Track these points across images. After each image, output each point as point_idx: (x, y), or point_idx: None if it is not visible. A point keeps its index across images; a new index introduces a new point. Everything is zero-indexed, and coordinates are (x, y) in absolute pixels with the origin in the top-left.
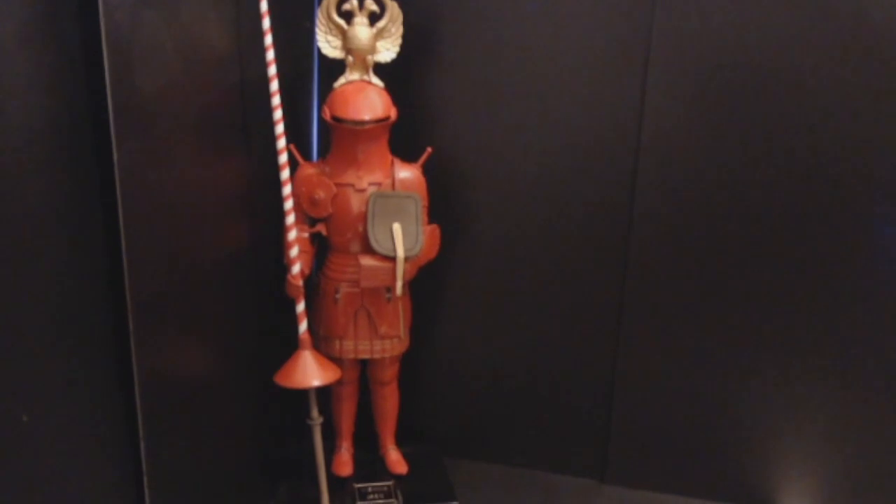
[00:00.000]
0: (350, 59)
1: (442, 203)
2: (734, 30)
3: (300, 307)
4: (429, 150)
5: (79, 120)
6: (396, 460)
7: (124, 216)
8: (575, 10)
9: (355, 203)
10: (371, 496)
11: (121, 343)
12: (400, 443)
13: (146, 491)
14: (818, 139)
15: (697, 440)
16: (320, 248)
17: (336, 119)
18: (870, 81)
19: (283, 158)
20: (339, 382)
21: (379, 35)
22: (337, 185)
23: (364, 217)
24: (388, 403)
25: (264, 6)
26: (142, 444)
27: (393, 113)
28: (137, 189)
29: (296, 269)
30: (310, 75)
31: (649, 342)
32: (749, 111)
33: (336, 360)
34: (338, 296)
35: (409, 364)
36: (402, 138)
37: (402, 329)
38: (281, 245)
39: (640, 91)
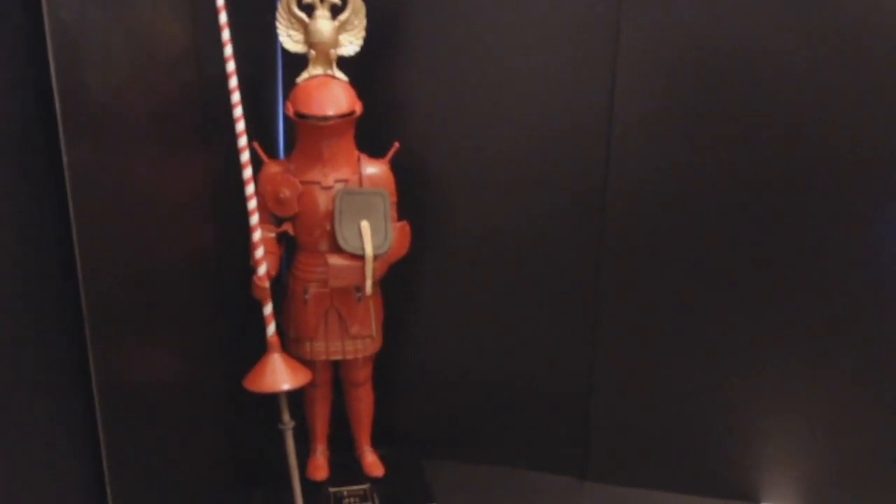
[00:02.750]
0: (312, 53)
1: (411, 199)
2: (706, 17)
3: (268, 309)
4: (396, 144)
5: (26, 123)
6: (372, 462)
7: (76, 219)
8: (543, 1)
9: (322, 201)
10: (347, 500)
11: (78, 349)
12: (376, 444)
13: (109, 502)
14: (796, 124)
15: (679, 434)
16: (288, 247)
17: (300, 115)
18: (848, 66)
19: (246, 157)
20: (311, 385)
21: (341, 28)
22: (303, 182)
23: (331, 215)
24: (363, 405)
25: (221, 0)
26: (104, 454)
27: (358, 107)
28: (90, 192)
29: (262, 270)
30: (273, 70)
31: (627, 336)
32: (724, 95)
33: (307, 362)
34: (307, 296)
35: (383, 364)
36: (369, 133)
37: (374, 328)
38: (247, 246)
39: (610, 79)
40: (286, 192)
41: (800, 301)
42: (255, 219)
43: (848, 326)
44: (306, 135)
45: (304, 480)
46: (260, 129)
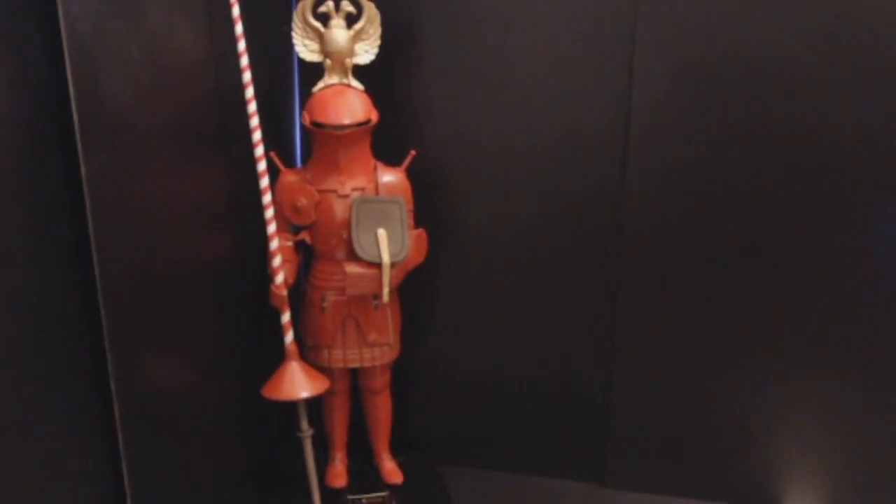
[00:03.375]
0: (328, 62)
1: (428, 206)
2: (721, 19)
3: (286, 317)
4: (412, 152)
5: (45, 134)
6: (391, 470)
7: (95, 229)
8: (557, 5)
9: (339, 209)
10: None
11: (98, 359)
12: (394, 452)
13: None
14: (811, 130)
15: (697, 440)
16: (306, 256)
17: (316, 124)
18: (862, 73)
19: (262, 166)
20: (329, 393)
21: (357, 37)
22: (319, 191)
23: (348, 223)
24: (381, 412)
25: (236, 11)
26: (123, 460)
27: (374, 116)
28: (108, 201)
29: (279, 278)
30: (290, 80)
31: (645, 341)
32: (741, 102)
33: (325, 370)
34: (324, 304)
35: (401, 371)
36: (385, 142)
37: (392, 336)
38: (265, 254)
39: (626, 85)
40: (303, 201)
41: (820, 307)
42: (272, 228)
43: (870, 332)
44: (323, 144)
45: (323, 488)
46: (277, 138)
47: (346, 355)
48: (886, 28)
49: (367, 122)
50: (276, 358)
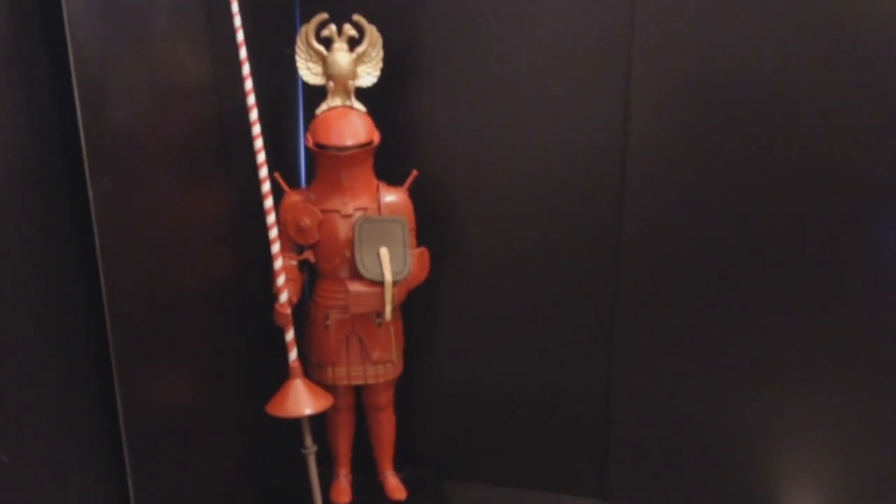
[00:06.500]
0: (331, 84)
1: (431, 225)
2: (716, 39)
3: (289, 335)
4: (414, 172)
5: (53, 156)
6: (395, 486)
7: (101, 249)
8: (555, 27)
9: (342, 229)
10: None
11: (104, 377)
12: (398, 467)
13: None
14: (807, 144)
15: (699, 454)
16: (310, 274)
17: (319, 146)
18: (858, 86)
19: (266, 187)
20: (334, 409)
21: (359, 60)
22: (323, 211)
23: (351, 243)
24: (385, 429)
25: (240, 36)
26: (129, 480)
27: (376, 137)
28: (114, 222)
29: (283, 297)
30: (294, 102)
31: (645, 356)
32: (737, 115)
33: (329, 388)
34: (328, 322)
35: (405, 388)
36: (388, 162)
37: (395, 353)
38: (269, 273)
39: (624, 104)
40: (307, 221)
41: (820, 324)
42: (276, 247)
43: (869, 348)
44: (326, 164)
45: None
46: (281, 159)
47: (350, 373)
48: (882, 42)
49: (370, 143)
50: (281, 375)
